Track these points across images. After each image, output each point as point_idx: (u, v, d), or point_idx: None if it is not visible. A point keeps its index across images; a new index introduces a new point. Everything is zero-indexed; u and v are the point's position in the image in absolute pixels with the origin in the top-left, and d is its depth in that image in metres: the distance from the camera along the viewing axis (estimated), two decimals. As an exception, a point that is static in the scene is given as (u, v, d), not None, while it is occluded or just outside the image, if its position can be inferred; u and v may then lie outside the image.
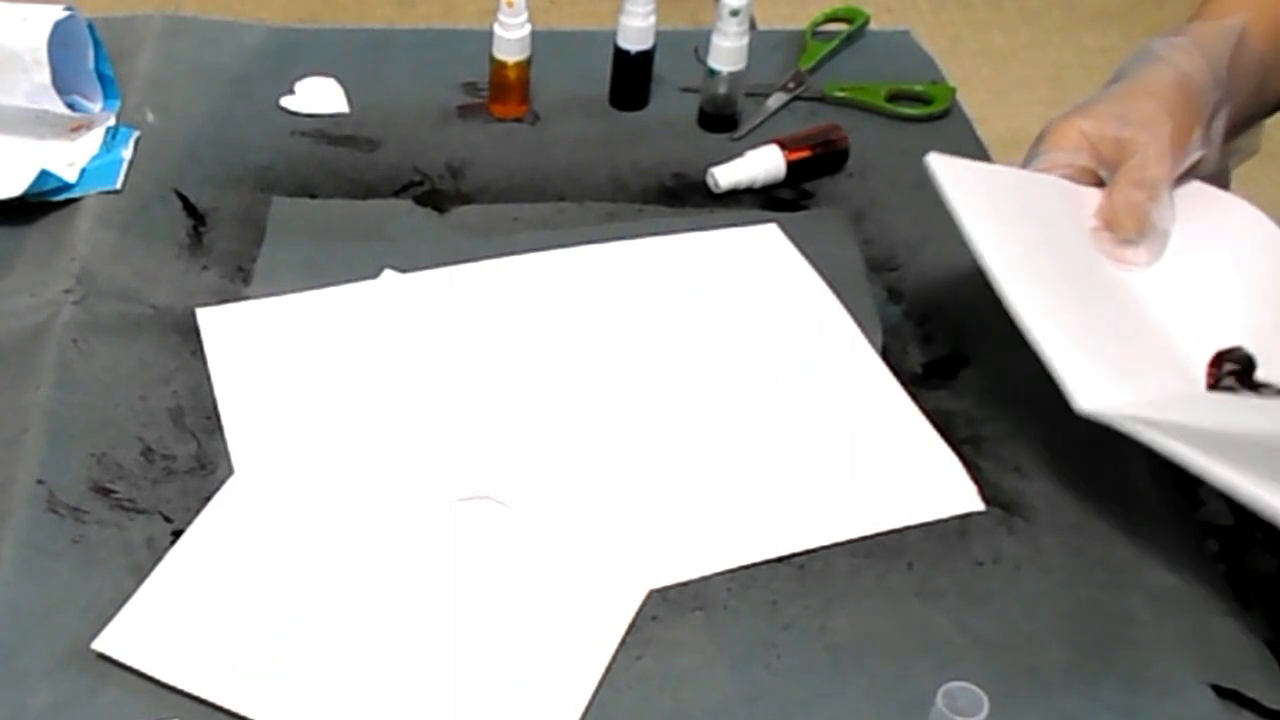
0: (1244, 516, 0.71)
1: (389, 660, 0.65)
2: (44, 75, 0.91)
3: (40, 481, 0.72)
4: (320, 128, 1.01)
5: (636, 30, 1.01)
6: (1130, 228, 0.80)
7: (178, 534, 0.71)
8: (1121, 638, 0.70)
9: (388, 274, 0.87)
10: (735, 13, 0.99)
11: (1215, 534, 0.76)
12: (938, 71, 1.12)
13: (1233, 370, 0.77)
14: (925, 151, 0.78)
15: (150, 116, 0.98)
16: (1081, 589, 0.72)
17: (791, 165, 0.98)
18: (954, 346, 0.87)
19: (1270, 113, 0.92)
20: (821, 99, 1.07)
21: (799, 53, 1.11)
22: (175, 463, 0.75)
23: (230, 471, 0.74)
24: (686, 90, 1.05)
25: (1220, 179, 0.88)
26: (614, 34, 1.02)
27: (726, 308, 0.87)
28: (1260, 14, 0.86)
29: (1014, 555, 0.74)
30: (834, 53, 1.12)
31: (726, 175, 0.97)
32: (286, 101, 1.03)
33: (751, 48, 1.01)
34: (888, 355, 0.85)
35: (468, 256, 0.89)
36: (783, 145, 0.98)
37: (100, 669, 0.64)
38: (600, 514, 0.74)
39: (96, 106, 0.98)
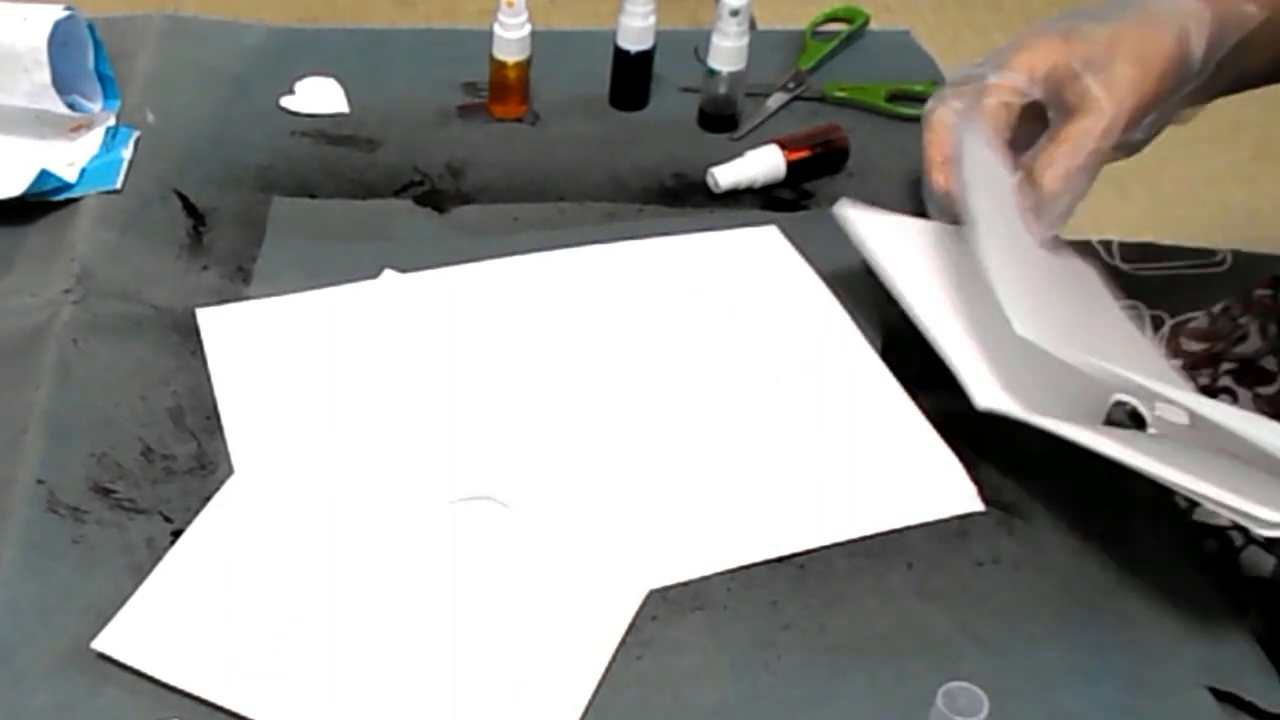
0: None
1: (389, 660, 0.65)
2: (44, 75, 0.91)
3: (40, 481, 0.72)
4: (320, 128, 1.01)
5: (636, 30, 1.01)
6: (1050, 188, 0.81)
7: (178, 534, 0.71)
8: (1120, 638, 0.70)
9: (388, 274, 0.87)
10: (735, 13, 0.99)
11: (1213, 535, 0.76)
12: (938, 72, 1.12)
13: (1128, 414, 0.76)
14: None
15: (150, 116, 0.98)
16: (1081, 589, 0.72)
17: (791, 165, 0.98)
18: (954, 347, 0.87)
19: (1238, 90, 0.90)
20: (821, 99, 1.07)
21: (799, 53, 1.11)
22: (175, 463, 0.75)
23: (230, 471, 0.74)
24: (686, 90, 1.05)
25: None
26: (614, 34, 1.02)
27: (726, 308, 0.87)
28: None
29: (1014, 555, 0.74)
30: (834, 53, 1.12)
31: (726, 175, 0.97)
32: (286, 101, 1.03)
33: (751, 48, 1.01)
34: (888, 356, 0.85)
35: (468, 256, 0.89)
36: (783, 145, 0.98)
37: (100, 669, 0.64)
38: (600, 514, 0.74)
39: (96, 106, 0.98)
